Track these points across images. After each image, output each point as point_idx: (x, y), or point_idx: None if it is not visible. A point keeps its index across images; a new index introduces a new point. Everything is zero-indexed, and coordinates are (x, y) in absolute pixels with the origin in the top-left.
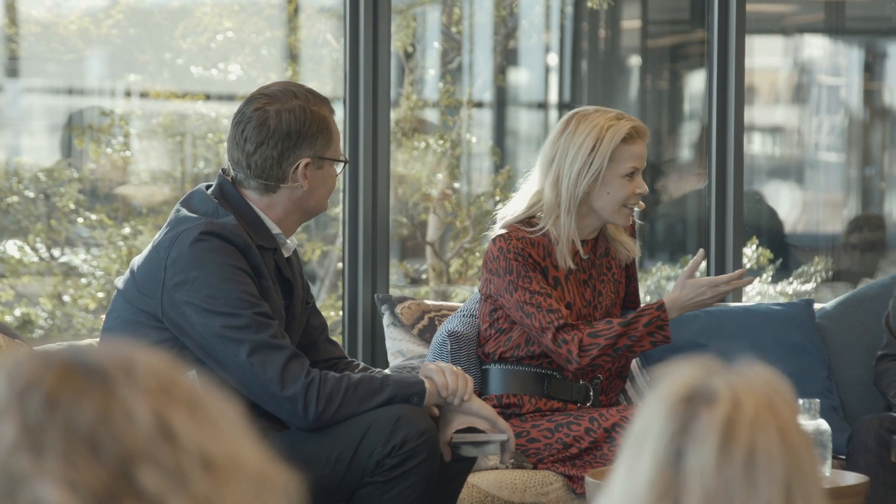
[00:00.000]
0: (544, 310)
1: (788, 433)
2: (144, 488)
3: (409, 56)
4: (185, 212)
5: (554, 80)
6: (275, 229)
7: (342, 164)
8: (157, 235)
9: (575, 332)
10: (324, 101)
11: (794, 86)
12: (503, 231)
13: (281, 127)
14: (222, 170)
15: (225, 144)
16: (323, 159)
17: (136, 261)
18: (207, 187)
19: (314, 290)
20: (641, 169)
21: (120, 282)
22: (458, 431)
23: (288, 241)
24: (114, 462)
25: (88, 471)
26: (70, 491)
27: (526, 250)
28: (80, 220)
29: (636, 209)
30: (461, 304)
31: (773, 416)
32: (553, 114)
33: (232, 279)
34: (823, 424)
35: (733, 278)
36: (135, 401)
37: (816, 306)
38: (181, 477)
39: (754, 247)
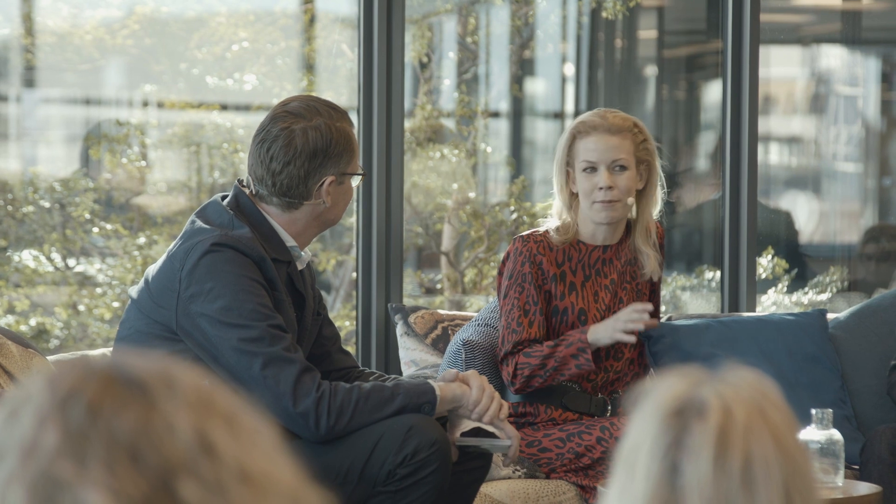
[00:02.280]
0: (512, 328)
1: (782, 437)
2: (184, 500)
3: (424, 66)
4: (200, 223)
5: (570, 89)
6: (290, 242)
7: (360, 176)
8: (172, 246)
9: (518, 356)
10: (345, 116)
11: (812, 96)
12: (526, 232)
13: (308, 146)
14: (238, 181)
15: (240, 154)
16: (345, 175)
17: (151, 270)
18: (223, 198)
19: (329, 300)
20: (604, 162)
21: (134, 291)
22: (464, 434)
23: (302, 253)
24: (155, 473)
25: (130, 481)
26: (113, 499)
27: (538, 257)
28: (96, 229)
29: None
30: (475, 314)
31: (765, 421)
32: (568, 124)
33: (247, 290)
34: (836, 434)
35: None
36: (175, 414)
37: (830, 316)
38: (220, 490)
39: (770, 257)
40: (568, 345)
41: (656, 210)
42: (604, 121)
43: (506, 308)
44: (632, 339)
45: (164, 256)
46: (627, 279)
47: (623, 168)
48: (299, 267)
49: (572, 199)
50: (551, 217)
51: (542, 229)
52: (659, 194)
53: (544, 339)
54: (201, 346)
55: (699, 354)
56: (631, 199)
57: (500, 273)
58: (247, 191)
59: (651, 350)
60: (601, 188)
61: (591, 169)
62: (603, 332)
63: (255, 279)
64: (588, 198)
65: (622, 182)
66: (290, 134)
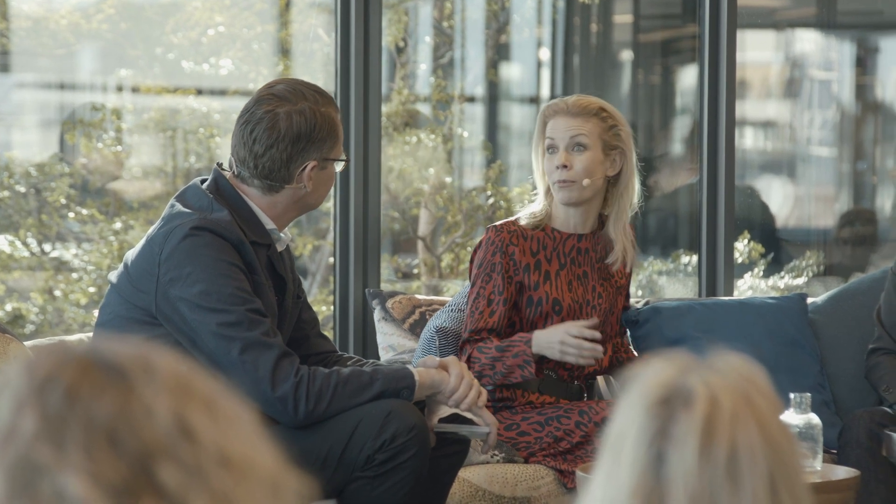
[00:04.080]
0: (475, 315)
1: (768, 427)
2: (164, 484)
3: (400, 51)
4: (179, 206)
5: (546, 74)
6: (269, 224)
7: (343, 162)
8: (152, 230)
9: (473, 348)
10: (330, 101)
11: (786, 80)
12: (500, 222)
13: (291, 130)
14: (217, 164)
15: (216, 139)
16: (328, 160)
17: (130, 255)
18: (202, 182)
19: (306, 285)
20: (562, 141)
21: (114, 276)
22: (442, 420)
23: (282, 235)
24: (133, 457)
25: (109, 465)
26: (92, 483)
27: (511, 247)
28: (72, 214)
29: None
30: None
31: (752, 411)
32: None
33: (225, 275)
34: (814, 419)
35: (583, 330)
36: (154, 398)
37: (808, 300)
38: (200, 473)
39: (746, 241)
40: (514, 355)
41: (634, 199)
42: (566, 104)
43: (472, 296)
44: (589, 362)
45: (143, 240)
46: (604, 275)
47: (582, 148)
48: (279, 249)
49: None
50: (533, 202)
51: (514, 217)
52: (635, 184)
53: (504, 331)
54: (180, 330)
55: (681, 337)
56: (587, 181)
57: (472, 261)
58: (226, 174)
59: (633, 334)
60: (557, 167)
61: (553, 149)
62: (547, 347)
63: (233, 263)
64: (550, 178)
65: (578, 163)
66: (275, 117)
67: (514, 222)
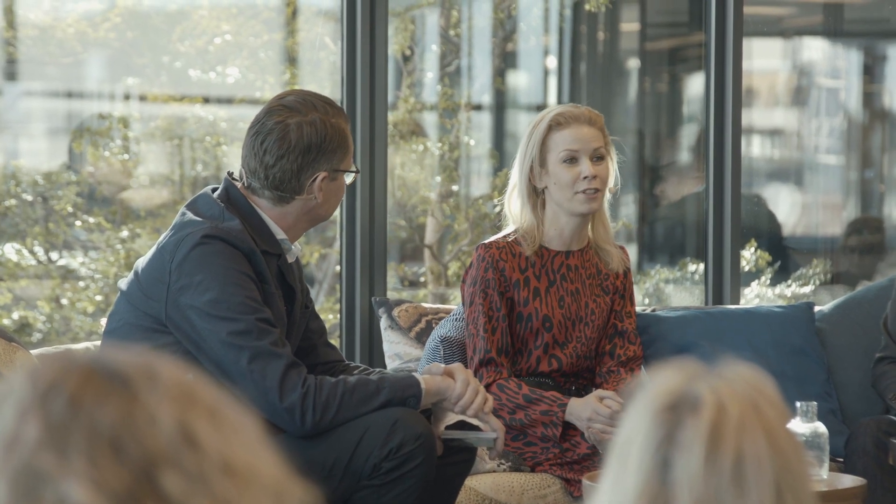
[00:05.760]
0: (478, 338)
1: (775, 435)
2: (167, 491)
3: (407, 59)
4: (190, 215)
5: (552, 82)
6: (280, 234)
7: (354, 174)
8: (162, 238)
9: (492, 374)
10: (341, 113)
11: (794, 88)
12: (489, 239)
13: (302, 141)
14: (228, 173)
15: (223, 148)
16: (338, 171)
17: (140, 263)
18: (213, 190)
19: (313, 293)
20: (586, 152)
21: (123, 283)
22: (448, 427)
23: (292, 246)
24: (136, 465)
25: (111, 472)
26: (95, 491)
27: (501, 263)
28: (79, 223)
29: (608, 196)
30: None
31: (759, 419)
32: (536, 118)
33: (236, 283)
34: (821, 427)
35: (610, 411)
36: (157, 406)
37: (815, 309)
38: (203, 481)
39: (753, 249)
40: (543, 412)
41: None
42: (581, 112)
43: (473, 315)
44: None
45: (153, 248)
46: (598, 291)
47: (601, 158)
48: (289, 260)
49: (536, 197)
50: (509, 224)
51: (504, 235)
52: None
53: (509, 349)
54: (190, 338)
55: (686, 345)
56: (607, 191)
57: (464, 281)
58: (237, 184)
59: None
60: (585, 177)
61: (572, 159)
62: (577, 419)
63: (244, 272)
64: (569, 189)
65: (603, 172)
66: (285, 128)
67: (504, 239)
